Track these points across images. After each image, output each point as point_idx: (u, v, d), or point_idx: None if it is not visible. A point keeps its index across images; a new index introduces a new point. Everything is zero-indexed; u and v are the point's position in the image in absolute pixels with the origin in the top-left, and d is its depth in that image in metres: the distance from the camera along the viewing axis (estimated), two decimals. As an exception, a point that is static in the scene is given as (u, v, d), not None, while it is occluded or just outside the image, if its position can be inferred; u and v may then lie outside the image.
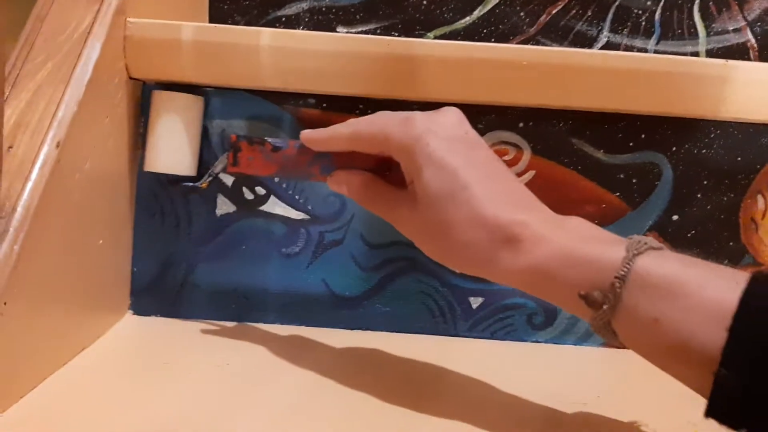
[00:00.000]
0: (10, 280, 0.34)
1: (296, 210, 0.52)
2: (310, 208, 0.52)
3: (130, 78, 0.49)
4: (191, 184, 0.51)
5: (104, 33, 0.43)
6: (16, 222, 0.35)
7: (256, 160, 0.43)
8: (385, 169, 0.42)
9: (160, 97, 0.49)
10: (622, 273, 0.32)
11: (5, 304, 0.34)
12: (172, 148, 0.49)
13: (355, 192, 0.42)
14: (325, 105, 0.51)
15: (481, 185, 0.36)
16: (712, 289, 0.30)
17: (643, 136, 0.52)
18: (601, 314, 0.33)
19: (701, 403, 0.30)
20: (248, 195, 0.52)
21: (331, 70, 0.49)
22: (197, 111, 0.50)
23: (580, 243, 0.34)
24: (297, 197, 0.52)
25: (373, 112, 0.50)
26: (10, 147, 0.37)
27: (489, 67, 0.49)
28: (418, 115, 0.39)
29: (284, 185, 0.52)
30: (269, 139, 0.43)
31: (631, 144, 0.52)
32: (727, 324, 0.29)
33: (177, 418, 0.36)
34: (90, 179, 0.43)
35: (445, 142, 0.37)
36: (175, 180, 0.51)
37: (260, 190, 0.52)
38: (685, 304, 0.30)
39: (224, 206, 0.52)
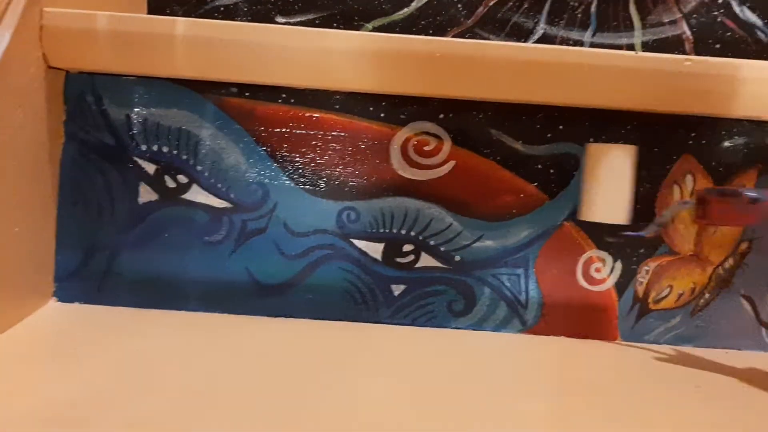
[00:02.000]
0: None
1: (219, 198, 0.53)
2: (232, 196, 0.53)
3: (49, 67, 0.49)
4: (637, 234, 0.50)
5: (15, 22, 0.44)
6: None
7: (729, 213, 0.44)
8: None
9: (595, 150, 0.50)
10: None
11: None
12: (609, 198, 0.50)
13: None
14: (247, 93, 0.52)
15: None
16: None
17: (560, 127, 0.53)
18: None
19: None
20: (170, 183, 0.53)
21: (251, 60, 0.50)
22: (630, 160, 0.50)
23: None
24: (219, 185, 0.53)
25: (296, 101, 0.52)
26: None
27: (409, 58, 0.49)
28: None
29: (206, 173, 0.53)
30: (744, 191, 0.44)
31: (549, 135, 0.53)
32: None
33: (76, 402, 0.37)
34: (6, 167, 0.43)
35: None
36: (612, 231, 0.52)
37: (182, 179, 0.53)
38: None
39: (147, 194, 0.53)
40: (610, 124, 0.53)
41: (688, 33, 0.74)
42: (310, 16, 0.71)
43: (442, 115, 0.52)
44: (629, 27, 0.74)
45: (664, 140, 0.53)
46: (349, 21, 0.71)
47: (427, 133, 0.53)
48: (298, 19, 0.71)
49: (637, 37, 0.73)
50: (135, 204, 0.53)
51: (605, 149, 0.50)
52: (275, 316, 0.54)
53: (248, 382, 0.41)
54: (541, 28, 0.72)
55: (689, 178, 0.54)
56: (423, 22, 0.72)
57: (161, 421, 0.35)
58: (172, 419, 0.35)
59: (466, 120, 0.52)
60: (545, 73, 0.50)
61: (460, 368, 0.47)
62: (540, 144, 0.53)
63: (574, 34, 0.73)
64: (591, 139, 0.53)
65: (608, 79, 0.50)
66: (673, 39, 0.74)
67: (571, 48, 0.52)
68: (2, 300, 0.46)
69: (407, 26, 0.71)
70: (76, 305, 0.53)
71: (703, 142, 0.53)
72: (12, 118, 0.45)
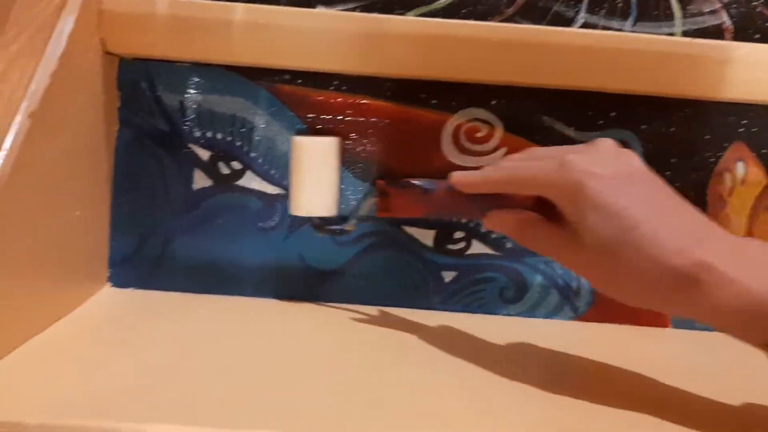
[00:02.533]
0: (-16, 246, 0.35)
1: (272, 185, 0.53)
2: (285, 182, 0.53)
3: (106, 53, 0.49)
4: (337, 227, 0.52)
5: (78, 6, 0.44)
6: (-11, 190, 0.36)
7: (405, 204, 0.45)
8: (542, 206, 0.41)
9: (299, 143, 0.50)
10: None
11: (-21, 269, 0.35)
12: (316, 192, 0.51)
13: (513, 232, 0.41)
14: (300, 81, 0.52)
15: (651, 224, 0.35)
16: None
17: (613, 113, 0.53)
18: None
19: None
20: (224, 170, 0.53)
21: (306, 46, 0.50)
22: (334, 152, 0.51)
23: (764, 281, 0.33)
24: (273, 172, 0.53)
25: (348, 88, 0.52)
26: (-16, 117, 0.37)
27: (462, 44, 0.49)
28: (573, 158, 0.37)
29: (260, 160, 0.53)
30: (417, 182, 0.44)
31: (601, 122, 0.53)
32: None
33: (133, 386, 0.37)
34: (65, 152, 0.44)
35: (606, 181, 0.36)
36: (319, 222, 0.52)
37: (236, 165, 0.53)
38: None
39: (201, 180, 0.53)
40: (660, 111, 0.53)
41: (728, 23, 0.74)
42: (350, 6, 0.71)
43: (494, 102, 0.53)
44: (669, 17, 0.74)
45: (714, 127, 0.53)
46: (390, 9, 0.71)
47: (479, 120, 0.53)
48: (339, 8, 0.71)
49: (678, 26, 0.73)
50: (189, 190, 0.53)
51: (309, 142, 0.50)
52: (327, 302, 0.54)
53: (302, 368, 0.41)
54: (581, 17, 0.72)
55: (740, 165, 0.54)
56: (464, 11, 0.71)
57: (217, 405, 0.35)
58: (228, 404, 0.35)
59: (518, 106, 0.53)
60: (598, 60, 0.50)
61: (511, 355, 0.47)
62: (591, 131, 0.53)
63: (615, 24, 0.72)
64: (643, 126, 0.53)
65: (660, 65, 0.51)
66: (712, 29, 0.73)
67: (623, 34, 0.52)
68: (60, 286, 0.46)
69: (448, 15, 0.71)
70: (130, 290, 0.53)
71: (754, 129, 0.53)
72: (74, 102, 0.45)
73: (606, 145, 0.39)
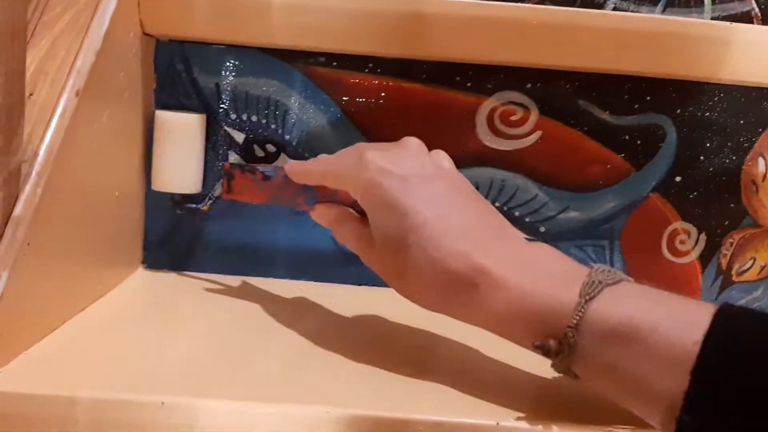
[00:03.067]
0: (33, 222, 0.35)
1: (306, 167, 0.53)
2: (319, 165, 0.53)
3: (144, 34, 0.49)
4: (194, 206, 0.52)
5: (120, -13, 0.44)
6: (38, 166, 0.36)
7: (248, 189, 0.45)
8: None
9: (162, 118, 0.51)
10: (575, 321, 0.31)
11: (28, 245, 0.35)
12: (178, 168, 0.51)
13: (331, 226, 0.43)
14: (335, 63, 0.52)
15: (435, 224, 0.35)
16: (665, 332, 0.29)
17: (648, 98, 0.53)
18: (558, 362, 0.32)
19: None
20: (259, 152, 0.53)
21: (341, 28, 0.50)
22: (199, 129, 0.51)
23: (538, 286, 0.33)
24: (306, 155, 0.53)
25: (382, 71, 0.52)
26: (31, 94, 0.37)
27: (499, 26, 0.49)
28: (371, 155, 0.37)
29: (294, 143, 0.53)
30: (260, 168, 0.44)
31: (636, 106, 0.53)
32: (685, 368, 0.28)
33: (183, 362, 0.37)
34: (107, 131, 0.44)
35: (398, 180, 0.36)
36: (180, 199, 0.53)
37: (271, 148, 0.53)
38: (639, 350, 0.29)
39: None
40: (696, 95, 0.53)
41: (757, 10, 0.73)
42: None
43: (529, 85, 0.52)
44: (699, 3, 0.73)
45: (750, 111, 0.53)
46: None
47: (514, 103, 0.53)
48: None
49: (707, 12, 0.73)
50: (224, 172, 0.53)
51: (173, 118, 0.50)
52: (359, 285, 0.54)
53: (335, 348, 0.41)
54: (611, 2, 0.71)
55: (775, 150, 0.54)
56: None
57: (250, 385, 0.35)
58: (260, 384, 0.36)
59: (554, 90, 0.52)
60: (634, 43, 0.50)
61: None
62: (627, 114, 0.53)
63: (644, 9, 0.72)
64: (678, 111, 0.53)
65: (695, 49, 0.50)
66: (741, 15, 0.73)
67: (659, 17, 0.52)
68: (97, 267, 0.46)
69: None
70: (164, 273, 0.53)
71: (790, 114, 0.53)
72: (115, 82, 0.45)
73: (411, 144, 0.40)
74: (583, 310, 0.31)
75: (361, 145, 0.41)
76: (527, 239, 0.37)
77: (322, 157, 0.43)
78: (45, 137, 0.37)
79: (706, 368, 0.28)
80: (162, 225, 0.53)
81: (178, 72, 0.52)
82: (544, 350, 0.32)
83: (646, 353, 0.29)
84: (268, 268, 0.54)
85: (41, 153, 0.36)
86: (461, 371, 0.40)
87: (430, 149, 0.53)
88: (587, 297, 0.31)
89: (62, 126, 0.38)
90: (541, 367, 0.38)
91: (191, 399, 0.33)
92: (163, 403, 0.33)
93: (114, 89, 0.45)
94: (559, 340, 0.32)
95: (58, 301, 0.40)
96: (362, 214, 0.40)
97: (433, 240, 0.35)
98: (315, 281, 0.54)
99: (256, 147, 0.53)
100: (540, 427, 0.33)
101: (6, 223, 0.34)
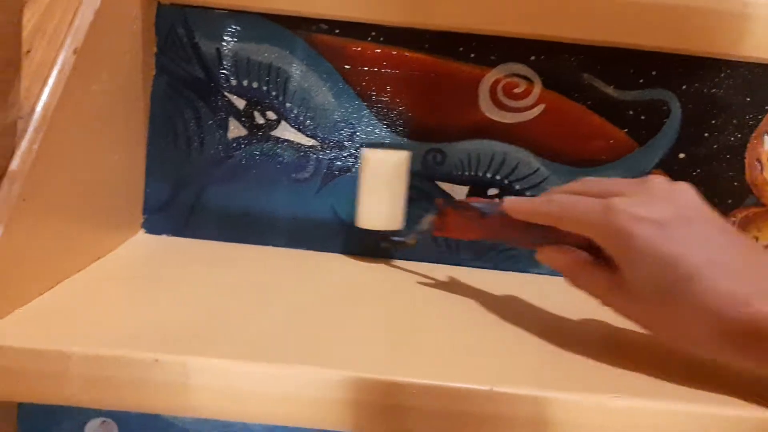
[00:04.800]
0: (29, 178, 0.35)
1: (306, 136, 0.53)
2: (320, 134, 0.53)
3: (145, -4, 0.49)
4: (400, 239, 0.51)
5: (121, -53, 0.43)
6: (35, 122, 0.36)
7: (462, 226, 0.44)
8: (596, 246, 0.38)
9: (371, 156, 0.51)
10: None
11: (24, 200, 0.35)
12: (383, 207, 0.51)
13: (563, 270, 0.39)
14: (338, 31, 0.51)
15: (708, 272, 0.32)
16: None
17: (653, 72, 0.52)
18: None
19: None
20: (259, 119, 0.53)
21: (344, -5, 0.49)
22: (405, 166, 0.51)
23: None
24: (308, 123, 0.53)
25: (385, 39, 0.51)
26: (29, 51, 0.37)
27: (503, -4, 0.49)
28: (619, 202, 0.35)
29: (295, 110, 0.52)
30: (475, 204, 0.43)
31: (641, 80, 0.52)
32: None
33: (178, 322, 0.37)
34: (106, 92, 0.44)
35: (654, 228, 0.34)
36: (384, 235, 0.52)
37: (271, 115, 0.53)
38: None
39: (236, 130, 0.53)
40: (701, 71, 0.52)
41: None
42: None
43: (533, 57, 0.52)
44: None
45: (756, 89, 0.52)
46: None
47: (518, 75, 0.52)
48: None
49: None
50: (224, 139, 0.53)
51: (380, 156, 0.51)
52: (358, 255, 0.54)
53: (331, 317, 0.41)
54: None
55: (780, 128, 0.53)
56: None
57: (253, 341, 0.35)
58: (253, 344, 0.35)
59: (558, 63, 0.52)
60: (640, 16, 0.49)
61: (542, 313, 0.47)
62: (632, 89, 0.52)
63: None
64: (683, 86, 0.52)
65: (703, 23, 0.50)
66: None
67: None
68: (97, 228, 0.46)
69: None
70: (164, 237, 0.53)
71: (797, 92, 0.53)
72: (115, 43, 0.45)
73: (657, 183, 0.36)
74: None
75: (605, 184, 0.38)
76: None
77: (549, 196, 0.39)
78: (42, 94, 0.37)
79: None
80: (162, 190, 0.53)
81: (179, 36, 0.51)
82: None
83: None
84: (267, 236, 0.54)
85: (38, 109, 0.36)
86: (454, 336, 0.40)
87: (432, 120, 0.53)
88: None
89: (60, 83, 0.37)
90: (540, 334, 0.38)
91: (184, 357, 0.33)
92: (156, 360, 0.33)
93: (114, 50, 0.44)
94: None
95: (55, 259, 0.40)
96: (596, 255, 0.38)
97: (706, 289, 0.32)
98: (313, 250, 0.54)
99: (256, 114, 0.53)
100: (534, 392, 0.33)
101: (2, 178, 0.34)
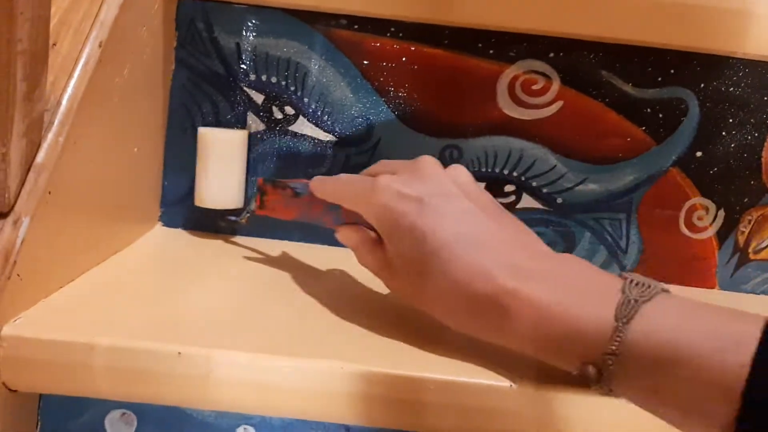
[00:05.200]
0: (55, 170, 0.35)
1: (324, 131, 0.53)
2: (337, 129, 0.53)
3: (166, -10, 0.49)
4: (233, 218, 0.53)
5: (144, -59, 0.44)
6: (61, 114, 0.36)
7: (279, 205, 0.44)
8: None
9: (206, 135, 0.51)
10: (613, 348, 0.29)
11: (50, 193, 0.35)
12: (221, 185, 0.51)
13: (354, 248, 0.41)
14: (356, 26, 0.51)
15: (455, 245, 0.33)
16: (709, 355, 0.27)
17: (672, 71, 0.52)
18: (600, 387, 0.30)
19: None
20: (278, 114, 0.53)
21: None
22: (242, 145, 0.52)
23: (571, 307, 0.31)
24: (325, 118, 0.53)
25: (404, 35, 0.51)
26: (54, 44, 0.37)
27: (523, -8, 0.49)
28: (384, 180, 0.36)
29: (313, 106, 0.53)
30: (291, 184, 0.44)
31: (659, 79, 0.52)
32: (733, 393, 0.26)
33: (201, 315, 0.38)
34: (129, 85, 0.44)
35: (413, 203, 0.35)
36: (221, 213, 0.53)
37: (289, 110, 0.53)
38: (683, 375, 0.28)
39: (254, 124, 0.53)
40: (719, 70, 0.52)
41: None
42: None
43: (552, 54, 0.52)
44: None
45: (774, 89, 0.52)
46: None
47: (536, 72, 0.52)
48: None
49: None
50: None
51: (216, 134, 0.51)
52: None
53: (352, 308, 0.41)
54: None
55: (799, 128, 0.53)
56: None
57: (266, 339, 0.36)
58: (276, 338, 0.36)
59: (577, 60, 0.52)
60: (659, 14, 0.49)
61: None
62: (650, 87, 0.52)
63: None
64: (702, 85, 0.52)
65: (721, 22, 0.50)
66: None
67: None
68: (117, 220, 0.47)
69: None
70: (180, 231, 0.54)
71: (815, 91, 0.52)
72: (137, 37, 0.45)
73: (426, 162, 0.38)
74: (621, 336, 0.29)
75: (377, 166, 0.40)
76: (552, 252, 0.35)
77: (344, 175, 0.41)
78: (68, 87, 0.37)
79: (756, 393, 0.26)
80: (180, 184, 0.53)
81: (198, 31, 0.52)
82: (584, 377, 0.30)
83: (691, 378, 0.27)
84: (282, 231, 0.54)
85: (64, 102, 0.36)
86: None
87: (449, 117, 0.53)
88: (624, 320, 0.29)
89: (85, 76, 0.38)
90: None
91: (207, 350, 0.33)
92: (179, 353, 0.33)
93: (136, 44, 0.45)
94: (599, 367, 0.30)
95: (78, 251, 0.40)
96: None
97: (453, 262, 0.33)
98: (329, 245, 0.54)
99: (274, 109, 0.53)
100: (554, 389, 0.33)
101: (28, 170, 0.34)
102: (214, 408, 0.37)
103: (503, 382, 0.33)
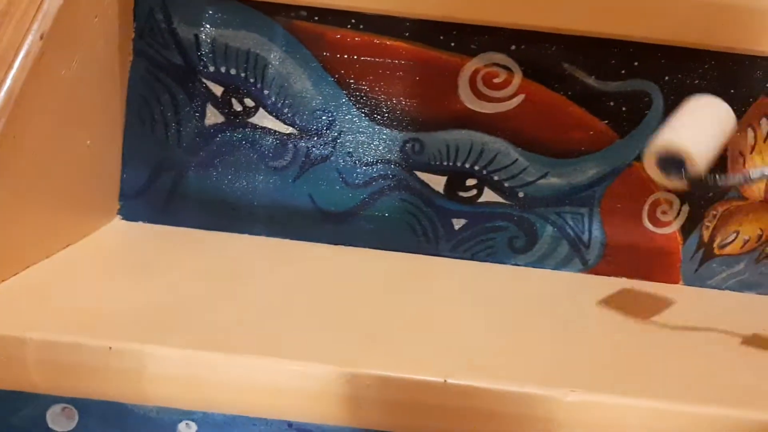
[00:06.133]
0: (-8, 163, 0.35)
1: (284, 124, 0.53)
2: (298, 122, 0.53)
3: (122, -19, 0.48)
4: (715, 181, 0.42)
5: (93, -71, 0.43)
6: (-3, 107, 0.36)
7: None
8: None
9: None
10: None
11: (-14, 186, 0.35)
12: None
13: None
14: (317, 18, 0.51)
15: None
16: None
17: (635, 63, 0.51)
18: None
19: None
20: (237, 106, 0.52)
21: (322, -19, 0.49)
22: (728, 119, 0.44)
23: None
24: (286, 111, 0.52)
25: (364, 27, 0.51)
26: (-6, 35, 0.37)
27: (482, -17, 0.48)
28: None
29: (273, 98, 0.52)
30: None
31: (623, 71, 0.52)
32: None
33: (140, 310, 0.37)
34: (78, 78, 0.43)
35: None
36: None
37: (249, 102, 0.52)
38: None
39: (213, 116, 0.52)
40: (685, 62, 0.51)
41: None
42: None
43: (513, 47, 0.51)
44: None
45: (740, 81, 0.52)
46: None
47: (497, 65, 0.52)
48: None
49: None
50: (202, 125, 0.52)
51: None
52: (336, 244, 0.54)
53: (301, 303, 0.41)
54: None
55: (765, 122, 0.52)
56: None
57: (204, 335, 0.35)
58: (214, 334, 0.35)
59: (538, 52, 0.51)
60: (623, 5, 0.49)
61: (518, 304, 0.46)
62: (613, 80, 0.52)
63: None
64: (666, 78, 0.52)
65: (687, 13, 0.49)
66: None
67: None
68: (69, 214, 0.46)
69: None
70: (140, 224, 0.53)
71: (782, 85, 0.52)
72: (88, 28, 0.44)
73: None
74: None
75: None
76: None
77: None
78: (6, 80, 0.36)
79: None
80: (139, 177, 0.53)
81: (157, 22, 0.51)
82: None
83: None
84: (246, 225, 0.54)
85: (1, 94, 0.36)
86: (417, 329, 0.39)
87: (411, 110, 0.52)
88: None
89: (24, 68, 0.37)
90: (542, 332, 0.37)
91: (140, 345, 0.33)
92: (110, 348, 0.33)
93: (86, 35, 0.44)
94: None
95: (22, 243, 0.40)
96: None
97: None
98: (290, 239, 0.54)
99: (234, 101, 0.52)
100: (486, 383, 0.33)
101: (-38, 163, 0.34)
102: (151, 403, 0.37)
103: (437, 378, 0.33)
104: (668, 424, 0.33)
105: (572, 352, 0.39)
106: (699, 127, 0.41)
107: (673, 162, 0.39)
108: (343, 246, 0.54)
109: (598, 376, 0.36)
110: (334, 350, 0.35)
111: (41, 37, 0.38)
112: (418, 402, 0.33)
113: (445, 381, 0.33)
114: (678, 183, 0.39)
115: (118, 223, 0.53)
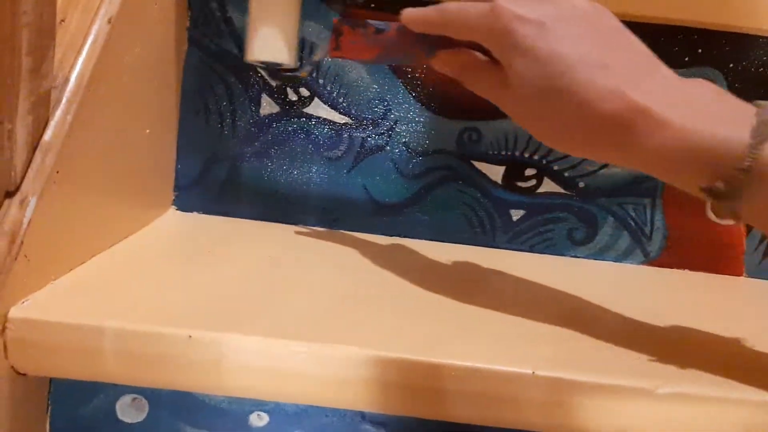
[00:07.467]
0: (63, 149, 0.34)
1: (340, 113, 0.52)
2: (353, 111, 0.52)
3: (179, -31, 0.48)
4: (292, 73, 0.49)
5: None
6: (68, 93, 0.35)
7: (358, 44, 0.41)
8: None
9: None
10: (746, 164, 0.29)
11: (57, 172, 0.34)
12: (272, 37, 0.46)
13: (458, 74, 0.39)
14: (372, 5, 0.50)
15: (583, 67, 0.32)
16: None
17: (699, 50, 0.50)
18: (724, 205, 0.31)
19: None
20: (292, 96, 0.52)
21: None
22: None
23: (701, 123, 0.31)
24: (341, 100, 0.51)
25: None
26: (62, 20, 0.36)
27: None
28: (502, 2, 0.34)
29: (328, 87, 0.51)
30: (371, 22, 0.41)
31: (687, 59, 0.50)
32: None
33: (213, 298, 0.37)
34: (139, 64, 0.43)
35: (535, 25, 0.33)
36: (275, 69, 0.49)
37: (304, 92, 0.52)
38: None
39: (268, 106, 0.52)
40: (749, 50, 0.50)
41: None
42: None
43: (574, 34, 0.50)
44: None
45: (807, 69, 0.50)
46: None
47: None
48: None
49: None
50: (257, 115, 0.52)
51: None
52: (390, 236, 0.53)
53: (368, 293, 0.40)
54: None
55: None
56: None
57: (279, 323, 0.34)
58: (289, 323, 0.35)
59: (600, 40, 0.50)
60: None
61: (578, 297, 0.45)
62: (678, 68, 0.50)
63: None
64: (731, 65, 0.50)
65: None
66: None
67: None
68: (130, 204, 0.46)
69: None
70: (194, 214, 0.53)
71: None
72: (148, 15, 0.44)
73: None
74: (755, 153, 0.29)
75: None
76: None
77: (448, 3, 0.38)
78: (76, 64, 0.36)
79: None
80: (194, 167, 0.52)
81: (211, 10, 0.51)
82: (711, 193, 0.31)
83: None
84: (300, 215, 0.53)
85: (72, 79, 0.35)
86: (498, 319, 0.38)
87: (468, 98, 0.51)
88: (759, 138, 0.29)
89: (94, 53, 0.37)
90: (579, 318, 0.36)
91: (218, 334, 0.32)
92: (190, 336, 0.32)
93: (147, 22, 0.44)
94: (728, 182, 0.30)
95: (88, 233, 0.39)
96: (488, 56, 0.37)
97: (582, 83, 0.32)
98: (344, 230, 0.53)
99: (289, 90, 0.52)
100: (575, 375, 0.32)
101: (35, 149, 0.33)
102: (225, 394, 0.36)
103: (525, 369, 0.32)
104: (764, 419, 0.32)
105: (650, 344, 0.37)
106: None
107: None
108: (398, 237, 0.53)
109: (683, 371, 0.34)
110: (411, 340, 0.34)
111: (109, 22, 0.38)
112: (504, 394, 0.32)
113: (533, 373, 0.32)
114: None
115: (173, 213, 0.52)
